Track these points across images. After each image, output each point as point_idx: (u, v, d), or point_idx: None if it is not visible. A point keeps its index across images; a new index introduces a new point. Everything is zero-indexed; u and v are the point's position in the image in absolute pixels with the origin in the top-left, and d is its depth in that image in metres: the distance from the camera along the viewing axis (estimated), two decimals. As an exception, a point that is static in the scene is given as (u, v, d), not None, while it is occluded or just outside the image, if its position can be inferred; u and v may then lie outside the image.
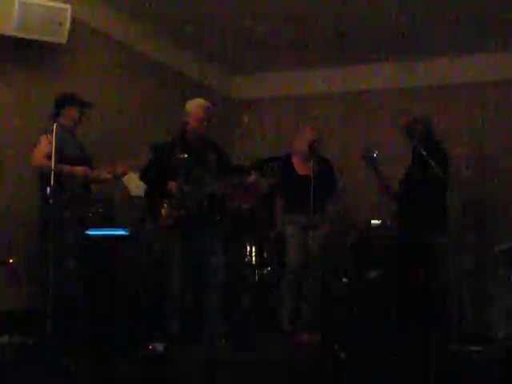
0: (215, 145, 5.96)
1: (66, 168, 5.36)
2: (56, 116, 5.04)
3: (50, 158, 5.11)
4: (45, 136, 5.24)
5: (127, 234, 6.18)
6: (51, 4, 5.74)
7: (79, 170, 5.49)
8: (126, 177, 6.17)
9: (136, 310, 5.99)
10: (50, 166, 5.01)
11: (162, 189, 5.66)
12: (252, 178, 5.65)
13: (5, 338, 5.24)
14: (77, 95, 5.66)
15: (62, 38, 5.88)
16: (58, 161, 5.10)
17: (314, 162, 6.19)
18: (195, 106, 5.83)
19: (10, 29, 5.61)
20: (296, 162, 6.59)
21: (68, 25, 5.84)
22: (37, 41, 5.81)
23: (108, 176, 5.66)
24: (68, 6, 5.82)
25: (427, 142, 6.02)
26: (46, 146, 5.27)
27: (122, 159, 5.89)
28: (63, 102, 5.59)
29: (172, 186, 5.58)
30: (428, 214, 5.94)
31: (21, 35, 5.68)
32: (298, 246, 6.46)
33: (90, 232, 5.91)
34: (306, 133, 6.51)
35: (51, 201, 4.95)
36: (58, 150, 5.06)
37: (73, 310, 5.37)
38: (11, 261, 5.59)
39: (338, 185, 6.65)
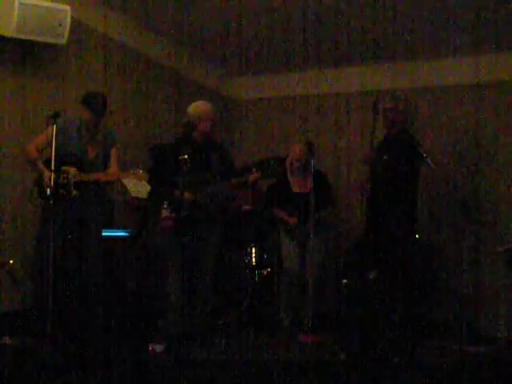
0: (220, 147, 5.97)
1: (40, 167, 5.43)
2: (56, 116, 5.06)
3: (39, 150, 5.39)
4: (49, 128, 5.22)
5: (127, 234, 6.19)
6: (51, 5, 5.75)
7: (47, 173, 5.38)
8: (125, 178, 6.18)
9: (136, 310, 6.00)
10: (33, 159, 5.38)
11: (167, 193, 5.65)
12: (254, 176, 5.65)
13: (5, 339, 5.25)
14: (97, 98, 5.59)
15: (62, 38, 5.88)
16: (55, 155, 5.20)
17: (310, 177, 6.15)
18: (204, 108, 5.81)
19: (10, 29, 5.61)
20: (291, 179, 6.58)
21: (68, 25, 5.84)
22: (37, 41, 5.82)
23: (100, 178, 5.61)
24: (68, 7, 5.83)
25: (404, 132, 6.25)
26: (42, 138, 5.35)
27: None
28: (83, 99, 5.60)
29: (186, 196, 5.57)
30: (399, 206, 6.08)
31: (21, 36, 5.68)
32: (296, 250, 6.47)
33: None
34: (297, 151, 6.51)
35: (51, 201, 4.97)
36: (59, 144, 5.15)
37: (73, 310, 5.37)
38: (11, 261, 5.60)
39: (332, 196, 6.68)
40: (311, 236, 5.92)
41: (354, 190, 6.49)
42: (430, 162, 6.10)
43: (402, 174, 6.13)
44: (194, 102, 5.90)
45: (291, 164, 6.53)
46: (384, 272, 6.11)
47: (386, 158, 6.18)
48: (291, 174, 6.57)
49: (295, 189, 6.54)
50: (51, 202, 5.01)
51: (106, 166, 5.66)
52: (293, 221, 6.43)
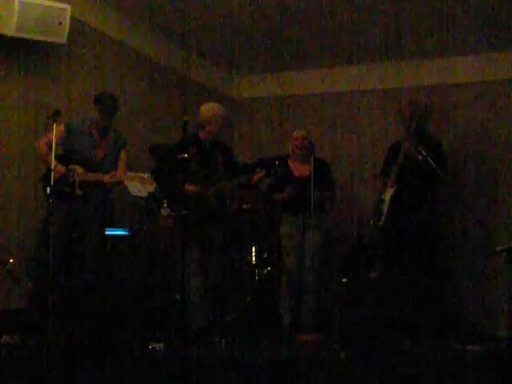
0: (225, 147, 5.98)
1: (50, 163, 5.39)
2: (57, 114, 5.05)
3: (48, 146, 5.29)
4: (55, 126, 5.17)
5: (127, 234, 6.19)
6: (51, 4, 5.74)
7: (61, 169, 5.44)
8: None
9: (136, 310, 5.99)
10: (43, 154, 5.42)
11: (173, 189, 5.65)
12: (257, 175, 5.67)
13: (5, 338, 5.25)
14: (108, 99, 5.61)
15: (62, 38, 5.88)
16: (62, 153, 5.35)
17: (311, 163, 6.21)
18: (217, 112, 5.80)
19: (10, 29, 5.61)
20: (292, 163, 6.59)
21: (68, 25, 5.84)
22: (37, 41, 5.82)
23: (104, 179, 5.63)
24: (68, 6, 5.82)
25: (423, 137, 6.32)
26: (49, 136, 5.35)
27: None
28: (95, 100, 5.63)
29: (190, 189, 5.56)
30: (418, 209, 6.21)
31: (21, 35, 5.68)
32: (296, 247, 6.47)
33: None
34: (299, 138, 6.53)
35: (51, 200, 4.97)
36: (69, 143, 5.36)
37: (72, 309, 5.37)
38: (11, 261, 5.60)
39: (333, 183, 6.69)
40: (310, 226, 6.01)
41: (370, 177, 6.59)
42: (430, 160, 6.12)
43: (421, 174, 6.20)
44: (208, 102, 5.91)
45: (293, 151, 6.56)
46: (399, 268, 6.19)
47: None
48: (293, 159, 6.59)
49: (296, 172, 6.56)
50: (51, 200, 5.02)
51: (115, 167, 5.68)
52: (287, 192, 6.41)
